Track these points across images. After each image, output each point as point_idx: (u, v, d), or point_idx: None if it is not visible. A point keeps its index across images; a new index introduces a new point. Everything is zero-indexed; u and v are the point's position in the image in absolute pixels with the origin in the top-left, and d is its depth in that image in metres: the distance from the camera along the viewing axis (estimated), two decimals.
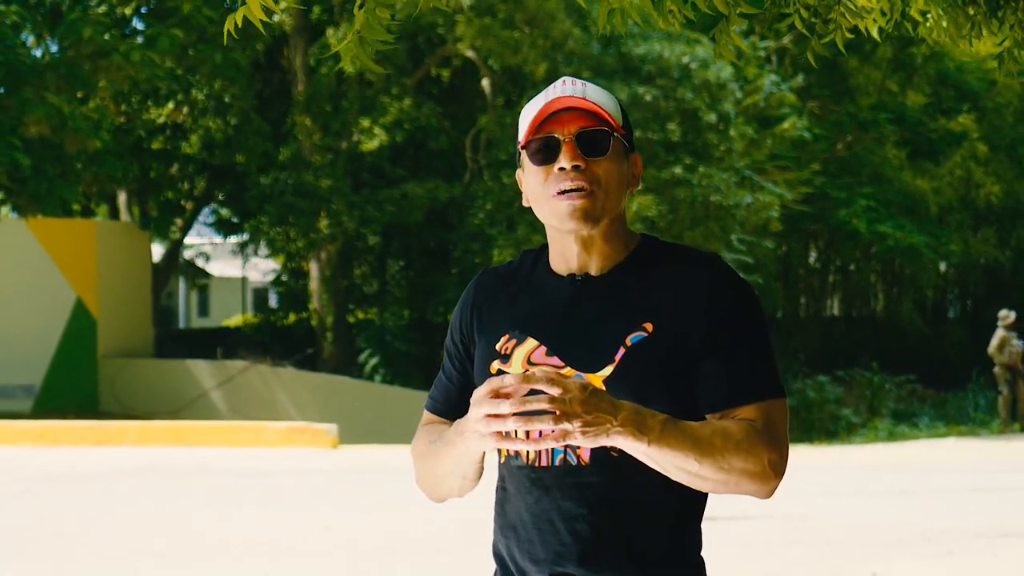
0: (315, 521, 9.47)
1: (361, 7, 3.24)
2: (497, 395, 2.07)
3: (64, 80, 18.33)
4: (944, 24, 4.43)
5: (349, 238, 22.38)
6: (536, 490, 2.27)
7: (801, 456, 14.30)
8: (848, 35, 4.12)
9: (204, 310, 40.89)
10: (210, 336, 28.35)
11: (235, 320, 34.21)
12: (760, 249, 22.76)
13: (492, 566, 2.39)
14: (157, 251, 27.03)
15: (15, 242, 21.10)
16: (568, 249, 2.33)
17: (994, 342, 19.95)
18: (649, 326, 2.24)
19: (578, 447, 2.23)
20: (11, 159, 17.63)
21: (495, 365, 2.31)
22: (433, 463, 2.36)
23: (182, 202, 26.53)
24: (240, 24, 3.11)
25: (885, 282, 31.82)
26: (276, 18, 20.60)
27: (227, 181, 25.29)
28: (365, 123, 22.09)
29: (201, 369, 21.44)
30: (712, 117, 20.43)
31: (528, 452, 2.27)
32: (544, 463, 2.26)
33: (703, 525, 2.32)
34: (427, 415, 2.48)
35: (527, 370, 2.23)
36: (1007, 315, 19.80)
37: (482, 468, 2.33)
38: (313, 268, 23.19)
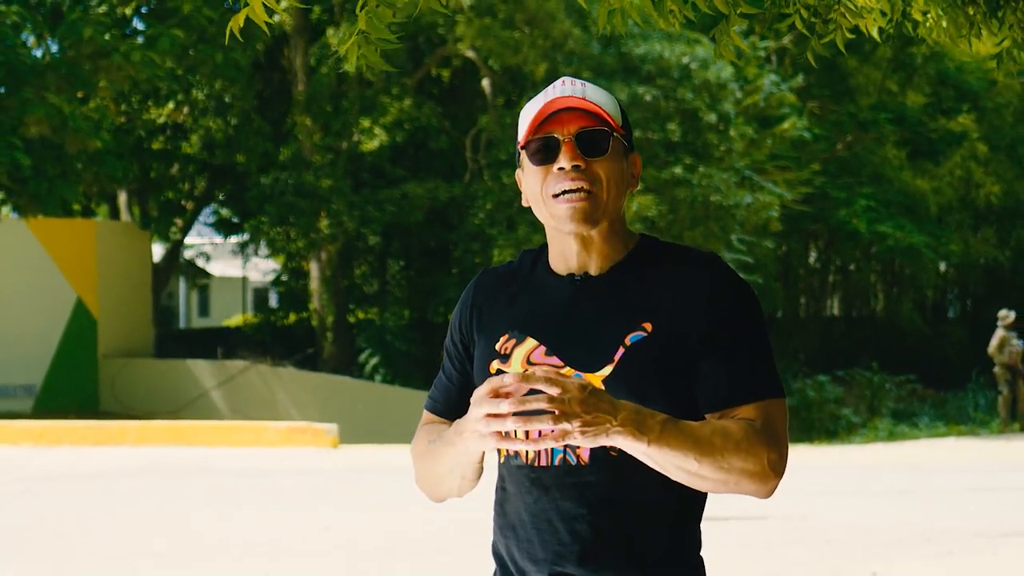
0: (315, 521, 9.48)
1: (363, 7, 3.24)
2: (497, 395, 2.07)
3: (65, 80, 18.34)
4: (944, 24, 4.43)
5: (349, 238, 22.39)
6: (536, 490, 2.27)
7: (801, 456, 14.31)
8: (848, 35, 4.12)
9: (204, 310, 40.89)
10: (210, 336, 28.35)
11: (235, 320, 34.22)
12: (760, 249, 22.76)
13: (492, 566, 2.39)
14: (157, 251, 27.03)
15: (16, 242, 21.11)
16: (568, 249, 2.33)
17: (994, 342, 19.95)
18: (648, 326, 2.25)
19: (578, 447, 2.23)
20: (12, 159, 17.63)
21: (495, 365, 2.32)
22: (432, 463, 2.36)
23: (182, 202, 26.54)
24: (242, 24, 3.11)
25: (885, 282, 31.82)
26: (276, 18, 20.60)
27: (227, 181, 25.29)
28: (365, 123, 22.10)
29: (201, 369, 21.45)
30: (712, 117, 20.43)
31: (528, 452, 2.27)
32: (544, 463, 2.26)
33: (703, 525, 2.32)
34: (427, 415, 2.48)
35: (527, 370, 2.24)
36: (1007, 315, 19.81)
37: (481, 468, 2.33)
38: (313, 268, 23.20)
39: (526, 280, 2.38)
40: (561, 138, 2.28)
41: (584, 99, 2.28)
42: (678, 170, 19.92)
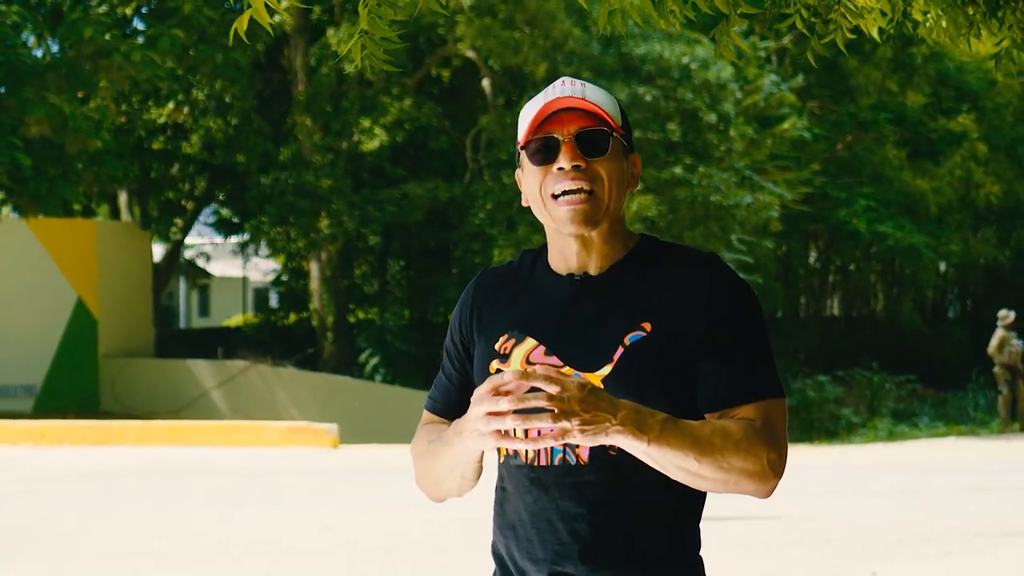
0: (315, 521, 9.48)
1: (364, 5, 3.25)
2: (497, 393, 2.08)
3: (65, 80, 18.34)
4: (944, 24, 4.44)
5: (349, 238, 22.39)
6: (535, 489, 2.27)
7: (801, 456, 14.31)
8: (849, 35, 4.13)
9: (205, 310, 40.89)
10: (211, 336, 28.35)
11: (236, 320, 34.22)
12: (760, 249, 22.76)
13: (492, 566, 2.39)
14: (158, 251, 27.04)
15: (16, 242, 21.11)
16: (567, 249, 2.33)
17: (994, 342, 19.96)
18: (648, 326, 2.25)
19: (577, 446, 2.23)
20: (12, 159, 17.63)
21: (494, 365, 2.32)
22: (432, 463, 2.36)
23: (183, 202, 26.55)
24: (246, 26, 3.12)
25: (885, 282, 31.82)
26: (277, 18, 20.60)
27: (228, 181, 25.30)
28: (365, 123, 22.10)
29: (202, 369, 21.45)
30: (712, 117, 20.43)
31: (527, 451, 2.28)
32: (543, 462, 2.27)
33: (703, 525, 2.32)
34: (427, 415, 2.49)
35: (526, 370, 2.24)
36: (1007, 315, 19.81)
37: (481, 468, 2.34)
38: (314, 268, 23.20)
39: (526, 280, 2.39)
40: (561, 138, 2.29)
41: (584, 99, 2.29)
42: (678, 170, 19.93)
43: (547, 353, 2.28)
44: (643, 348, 2.24)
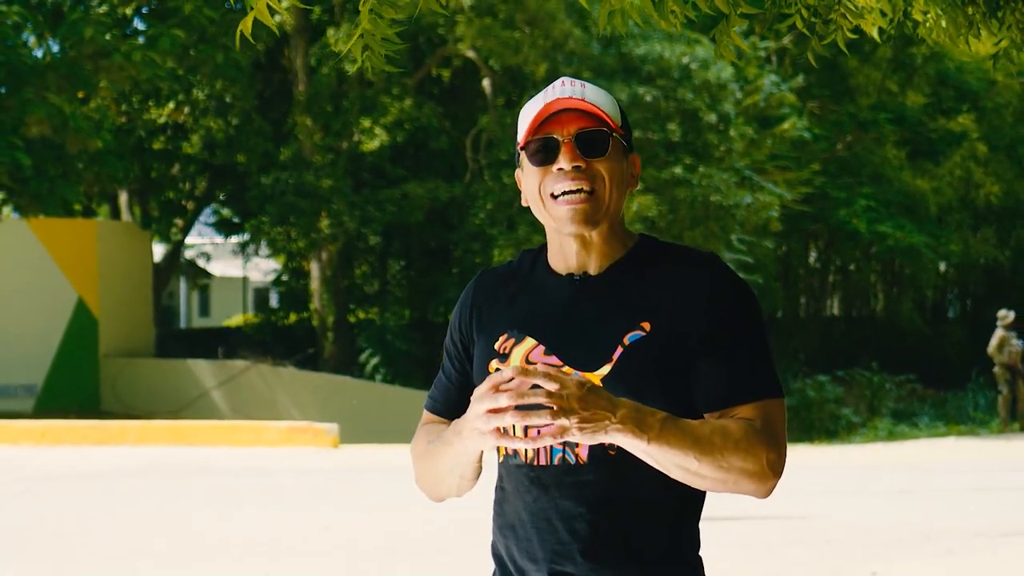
0: (315, 521, 9.48)
1: (366, 5, 3.25)
2: (497, 391, 2.08)
3: (65, 80, 18.35)
4: (943, 24, 4.44)
5: (350, 238, 22.39)
6: (535, 489, 2.28)
7: (801, 456, 14.32)
8: (850, 35, 4.13)
9: (205, 310, 40.90)
10: (211, 336, 28.36)
11: (236, 320, 34.22)
12: (760, 249, 22.76)
13: (492, 566, 2.39)
14: (158, 251, 27.05)
15: (16, 242, 21.12)
16: (567, 248, 2.34)
17: (994, 342, 19.96)
18: (647, 325, 2.25)
19: (576, 446, 2.24)
20: (13, 159, 17.64)
21: (494, 364, 2.32)
22: (432, 463, 2.36)
23: (183, 202, 26.55)
24: (250, 28, 3.13)
25: (885, 282, 31.82)
26: (278, 18, 20.60)
27: (228, 181, 25.30)
28: (366, 123, 22.11)
29: (202, 369, 21.45)
30: (712, 117, 20.43)
31: (527, 451, 2.28)
32: (543, 462, 2.27)
33: (702, 525, 2.33)
34: (427, 415, 2.49)
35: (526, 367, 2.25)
36: (1006, 315, 19.82)
37: (480, 468, 2.34)
38: (314, 268, 23.21)
39: (526, 280, 2.39)
40: (561, 139, 2.29)
41: (583, 100, 2.29)
42: (678, 170, 19.93)
43: (547, 353, 2.29)
44: (642, 348, 2.24)
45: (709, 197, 19.88)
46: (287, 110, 23.10)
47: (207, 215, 28.01)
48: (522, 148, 2.34)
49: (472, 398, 2.13)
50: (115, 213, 25.81)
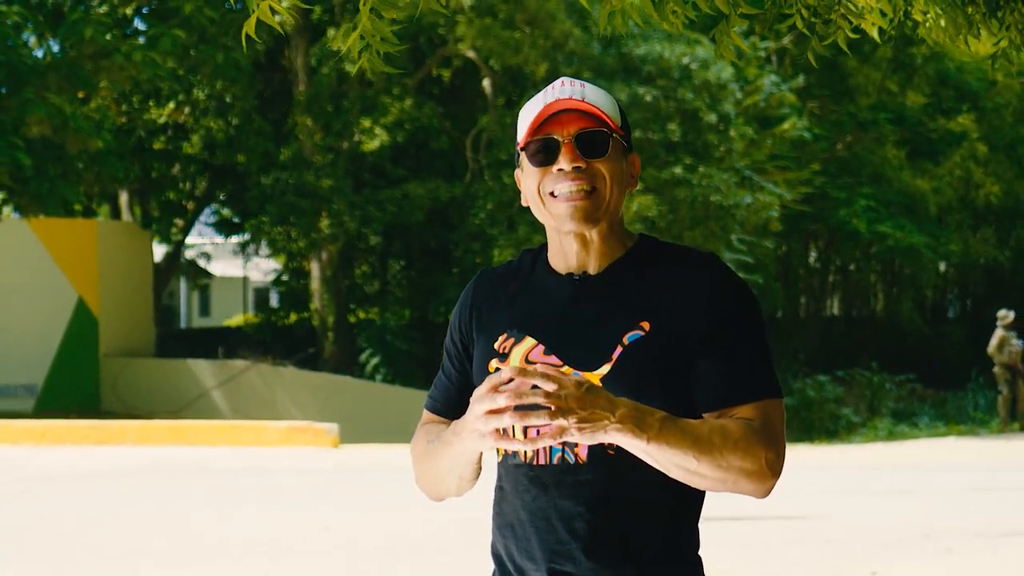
0: (315, 521, 9.49)
1: (366, 4, 3.25)
2: (498, 391, 2.08)
3: (66, 80, 18.35)
4: (943, 24, 4.44)
5: (350, 238, 22.40)
6: (534, 488, 2.28)
7: (801, 456, 14.32)
8: (851, 35, 4.13)
9: (205, 310, 40.91)
10: (211, 336, 28.37)
11: (236, 320, 34.23)
12: (760, 249, 22.76)
13: (491, 566, 2.40)
14: (158, 251, 27.04)
15: (17, 242, 21.12)
16: (567, 248, 2.34)
17: (993, 342, 19.97)
18: (647, 325, 2.26)
19: (576, 445, 2.24)
20: (13, 159, 17.64)
21: (493, 364, 2.32)
22: (431, 463, 2.37)
23: (183, 202, 26.56)
24: (254, 29, 3.13)
25: (885, 282, 31.82)
26: (278, 18, 20.60)
27: (228, 181, 25.31)
28: (366, 123, 22.11)
29: (202, 369, 21.46)
30: (712, 117, 20.43)
31: (526, 451, 2.28)
32: (542, 461, 2.27)
33: (702, 525, 2.33)
34: (427, 414, 2.49)
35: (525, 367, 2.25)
36: (1006, 315, 19.82)
37: (480, 468, 2.34)
38: (314, 268, 23.21)
39: (526, 279, 2.39)
40: (561, 139, 2.29)
41: (583, 100, 2.29)
42: (678, 170, 19.93)
43: (546, 352, 2.29)
44: (642, 347, 2.24)
45: (709, 197, 19.88)
46: (287, 110, 23.10)
47: (207, 215, 28.02)
48: (522, 148, 2.34)
49: (471, 399, 2.13)
50: (115, 213, 25.81)
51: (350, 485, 11.85)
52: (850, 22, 4.11)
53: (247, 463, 13.28)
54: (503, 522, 2.34)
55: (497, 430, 2.10)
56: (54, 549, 8.48)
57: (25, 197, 19.04)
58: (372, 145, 22.27)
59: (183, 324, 37.27)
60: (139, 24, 21.05)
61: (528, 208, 2.39)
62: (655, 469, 2.18)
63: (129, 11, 20.60)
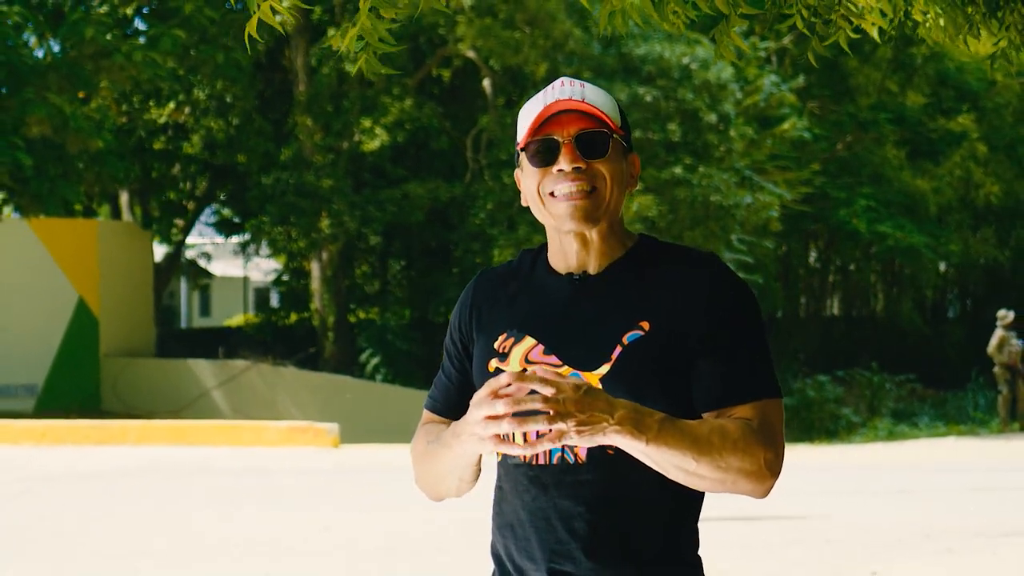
0: (315, 521, 9.49)
1: (370, 8, 3.25)
2: (496, 396, 2.09)
3: (66, 80, 18.35)
4: (943, 24, 4.44)
5: (350, 238, 22.40)
6: (534, 488, 2.28)
7: (801, 456, 14.33)
8: (852, 35, 4.13)
9: (206, 310, 40.91)
10: (212, 336, 28.37)
11: (237, 320, 34.23)
12: (760, 249, 22.77)
13: (492, 566, 2.40)
14: (159, 251, 27.05)
15: (17, 242, 21.12)
16: (567, 248, 2.34)
17: (993, 342, 19.97)
18: (646, 325, 2.26)
19: (575, 445, 2.24)
20: (13, 159, 17.65)
21: (493, 364, 2.33)
22: (431, 464, 2.37)
23: (184, 202, 26.56)
24: (255, 29, 3.14)
25: (885, 282, 31.82)
26: (279, 18, 20.60)
27: (229, 181, 25.31)
28: (366, 123, 22.12)
29: (203, 369, 21.46)
30: (712, 117, 20.44)
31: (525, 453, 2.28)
32: (541, 461, 2.27)
33: (701, 525, 2.33)
34: (427, 414, 2.49)
35: (524, 369, 2.25)
36: (1006, 315, 19.83)
37: (479, 470, 2.34)
38: (314, 268, 23.21)
39: (525, 279, 2.39)
40: (561, 140, 2.29)
41: (583, 101, 2.29)
42: (678, 170, 19.93)
43: (546, 352, 2.29)
44: (642, 347, 2.24)
45: (709, 197, 19.88)
46: (288, 110, 23.11)
47: (208, 215, 28.02)
48: (522, 149, 2.34)
49: (471, 402, 2.13)
50: (116, 213, 25.82)
51: (350, 485, 11.85)
52: (850, 22, 4.11)
53: (247, 463, 13.28)
54: (503, 522, 2.34)
55: (496, 434, 2.11)
56: (55, 549, 8.49)
57: (25, 197, 19.04)
58: (372, 145, 22.27)
59: (183, 324, 37.27)
60: (139, 24, 21.06)
61: (528, 208, 2.39)
62: (655, 469, 2.18)
63: (129, 11, 20.60)
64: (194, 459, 13.60)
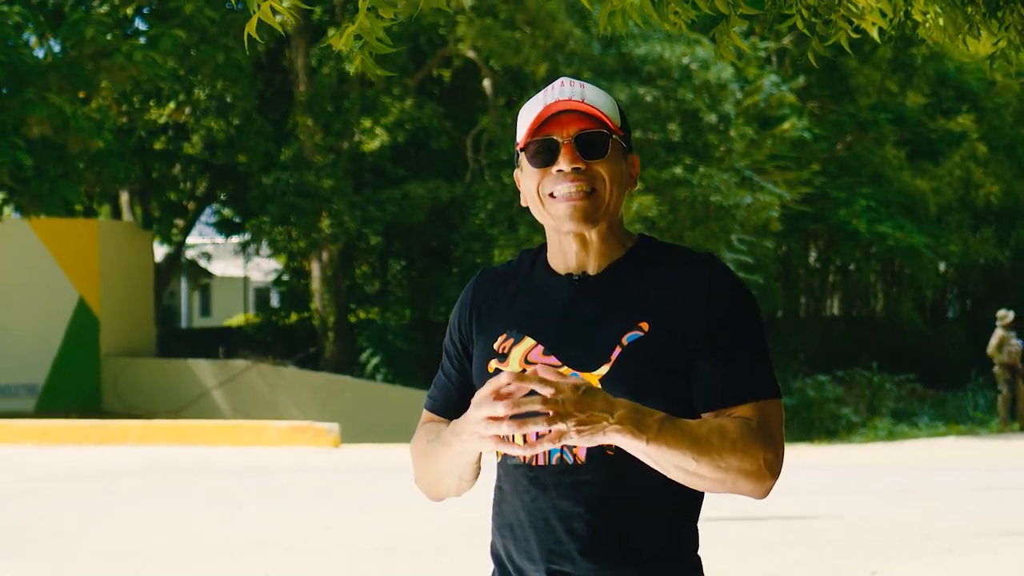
0: (315, 521, 9.49)
1: (368, 7, 3.26)
2: (498, 397, 2.09)
3: (66, 80, 18.36)
4: (943, 24, 4.45)
5: (351, 238, 22.41)
6: (533, 488, 2.28)
7: (801, 456, 14.33)
8: (853, 35, 4.14)
9: (206, 310, 40.91)
10: (212, 335, 28.37)
11: (237, 320, 34.23)
12: (760, 249, 22.77)
13: (491, 566, 2.40)
14: (159, 251, 27.06)
15: (18, 242, 21.13)
16: (567, 248, 2.34)
17: (993, 341, 19.97)
18: (646, 325, 2.26)
19: (575, 446, 2.24)
20: (14, 159, 17.65)
21: (493, 364, 2.33)
22: (431, 463, 2.37)
23: (184, 202, 26.57)
24: (255, 29, 3.15)
25: (885, 282, 31.82)
26: (279, 19, 20.59)
27: (229, 181, 25.32)
28: (367, 123, 22.12)
29: (203, 368, 21.46)
30: (712, 118, 20.44)
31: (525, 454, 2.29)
32: (541, 462, 2.27)
33: (702, 525, 2.33)
34: (426, 414, 2.49)
35: (524, 369, 2.25)
36: (1006, 315, 19.83)
37: (479, 468, 2.34)
38: (315, 268, 23.22)
39: (525, 280, 2.40)
40: (560, 140, 2.30)
41: (583, 101, 2.29)
42: (678, 170, 19.94)
43: (545, 352, 2.29)
44: (641, 348, 2.25)
45: (709, 197, 19.88)
46: (288, 110, 23.11)
47: (208, 215, 28.04)
48: (521, 149, 2.34)
49: (472, 402, 2.13)
50: (116, 213, 25.82)
51: (350, 485, 11.85)
52: (850, 22, 4.11)
53: (248, 463, 13.29)
54: (502, 522, 2.35)
55: (496, 435, 2.11)
56: (55, 549, 8.49)
57: (26, 197, 19.05)
58: (372, 145, 22.28)
59: (184, 324, 37.28)
60: (140, 24, 21.06)
61: (528, 208, 2.39)
62: (654, 469, 2.19)
63: (130, 11, 20.60)
64: (194, 459, 13.61)
